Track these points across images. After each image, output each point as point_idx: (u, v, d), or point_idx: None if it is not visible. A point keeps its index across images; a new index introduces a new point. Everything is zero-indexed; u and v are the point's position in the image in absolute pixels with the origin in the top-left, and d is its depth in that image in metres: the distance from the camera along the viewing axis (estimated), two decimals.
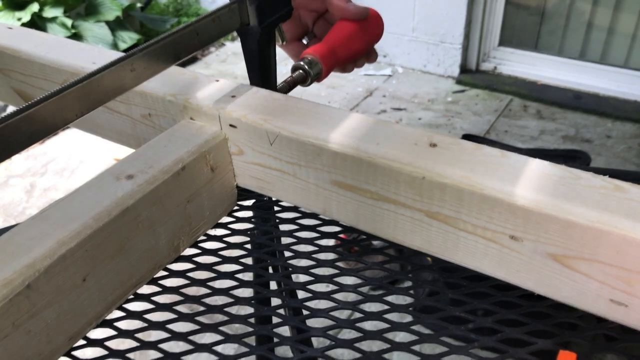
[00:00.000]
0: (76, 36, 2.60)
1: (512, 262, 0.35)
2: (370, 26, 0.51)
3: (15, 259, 0.31)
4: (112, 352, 0.37)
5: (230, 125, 0.42)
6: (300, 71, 0.47)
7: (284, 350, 0.41)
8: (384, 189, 0.37)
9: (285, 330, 0.41)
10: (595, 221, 0.30)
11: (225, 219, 0.47)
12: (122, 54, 0.36)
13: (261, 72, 0.48)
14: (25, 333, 0.31)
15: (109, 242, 0.35)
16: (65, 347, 0.35)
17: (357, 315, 0.40)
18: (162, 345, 0.37)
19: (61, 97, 0.32)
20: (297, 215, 0.47)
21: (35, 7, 2.53)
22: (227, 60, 2.73)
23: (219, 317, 0.39)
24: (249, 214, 0.49)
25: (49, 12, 2.58)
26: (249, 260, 0.44)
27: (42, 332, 0.32)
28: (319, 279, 0.42)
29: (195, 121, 0.43)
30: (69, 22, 2.58)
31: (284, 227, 0.46)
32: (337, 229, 0.45)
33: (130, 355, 0.37)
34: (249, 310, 0.39)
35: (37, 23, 2.52)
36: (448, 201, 0.35)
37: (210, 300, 0.40)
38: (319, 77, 0.47)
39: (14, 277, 0.30)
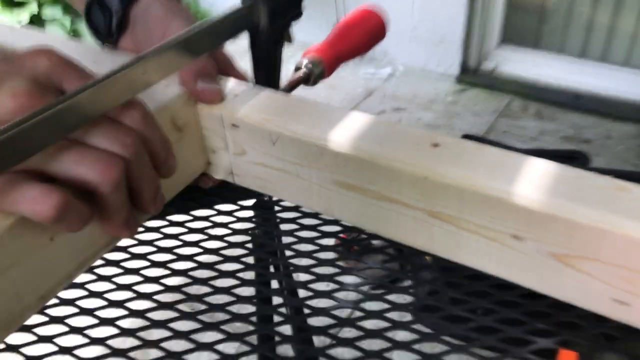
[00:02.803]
0: (75, 36, 2.60)
1: (514, 262, 0.35)
2: (373, 26, 0.51)
3: None
4: (115, 351, 0.37)
5: (233, 125, 0.42)
6: (304, 70, 0.47)
7: (285, 349, 0.41)
8: (386, 188, 0.37)
9: (286, 329, 0.41)
10: (598, 221, 0.30)
11: (226, 219, 0.47)
12: (123, 55, 0.35)
13: (267, 73, 0.47)
14: None
15: None
16: (36, 306, 0.34)
17: (358, 314, 0.40)
18: (164, 344, 0.37)
19: (74, 101, 0.31)
20: (298, 214, 0.47)
21: (34, 7, 2.53)
22: None
23: (221, 316, 0.39)
24: (249, 213, 0.49)
25: (47, 12, 2.57)
26: (250, 260, 0.44)
27: (10, 289, 0.32)
28: (319, 277, 0.42)
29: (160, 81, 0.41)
30: (68, 22, 2.58)
31: (284, 227, 0.47)
32: (338, 228, 0.45)
33: (131, 354, 0.37)
34: (250, 309, 0.39)
35: (36, 23, 2.52)
36: (450, 201, 0.35)
37: (211, 299, 0.40)
38: (321, 77, 0.47)
39: None
